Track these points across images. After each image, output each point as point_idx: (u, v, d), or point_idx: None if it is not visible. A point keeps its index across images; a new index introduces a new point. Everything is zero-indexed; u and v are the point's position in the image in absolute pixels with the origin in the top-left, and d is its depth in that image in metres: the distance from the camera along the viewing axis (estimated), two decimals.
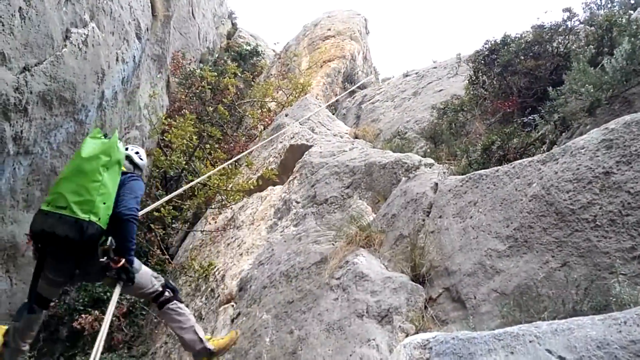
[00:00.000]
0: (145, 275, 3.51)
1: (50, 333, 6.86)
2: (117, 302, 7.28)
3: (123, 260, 3.13)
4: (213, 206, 8.57)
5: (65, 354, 6.85)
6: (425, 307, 2.78)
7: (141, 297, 4.01)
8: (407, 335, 2.47)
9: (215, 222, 8.30)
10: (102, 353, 6.40)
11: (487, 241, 2.77)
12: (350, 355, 2.56)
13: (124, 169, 3.69)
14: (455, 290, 2.75)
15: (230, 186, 7.85)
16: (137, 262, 3.42)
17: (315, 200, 5.85)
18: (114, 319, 7.09)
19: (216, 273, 6.88)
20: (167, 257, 8.26)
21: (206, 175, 7.13)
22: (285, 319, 3.63)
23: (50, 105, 5.51)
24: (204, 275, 7.05)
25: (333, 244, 4.13)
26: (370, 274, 3.26)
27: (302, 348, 3.07)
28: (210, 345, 3.41)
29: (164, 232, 8.85)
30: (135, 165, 3.93)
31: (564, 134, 4.00)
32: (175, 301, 3.52)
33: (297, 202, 6.20)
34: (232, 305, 5.49)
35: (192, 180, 8.75)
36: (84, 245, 2.99)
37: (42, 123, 5.49)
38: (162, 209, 8.06)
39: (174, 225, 9.60)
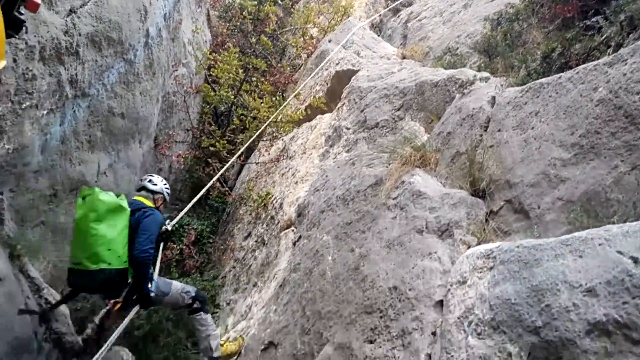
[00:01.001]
0: (175, 294, 4.19)
1: None
2: (186, 231, 7.74)
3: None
4: (265, 139, 8.72)
5: None
6: (487, 220, 2.79)
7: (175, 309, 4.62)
8: (468, 247, 2.51)
9: (268, 154, 8.48)
10: (178, 277, 6.91)
11: (550, 151, 2.68)
12: (412, 268, 2.65)
13: (143, 200, 4.21)
14: (517, 202, 2.73)
15: (279, 117, 7.89)
16: (164, 284, 4.14)
17: (365, 125, 5.81)
18: (183, 247, 7.64)
19: (274, 201, 7.14)
20: (227, 189, 8.62)
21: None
22: (345, 239, 3.77)
23: (99, 46, 5.63)
24: (263, 204, 7.34)
25: (387, 166, 4.14)
26: (427, 191, 3.27)
27: (364, 264, 3.20)
28: (217, 353, 4.30)
29: (220, 165, 9.16)
30: (154, 192, 4.40)
31: (631, 35, 3.67)
32: (201, 312, 4.32)
33: (348, 129, 6.18)
34: (293, 230, 5.73)
35: (242, 115, 8.91)
36: (105, 287, 3.66)
37: (94, 65, 5.64)
38: (217, 143, 8.31)
39: (228, 158, 9.88)
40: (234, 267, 7.39)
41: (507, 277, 1.96)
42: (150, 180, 4.51)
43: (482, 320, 1.94)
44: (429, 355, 2.16)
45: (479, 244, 2.51)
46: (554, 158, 2.62)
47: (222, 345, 4.53)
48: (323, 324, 3.32)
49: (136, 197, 4.36)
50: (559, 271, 1.77)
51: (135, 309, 4.02)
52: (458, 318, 2.08)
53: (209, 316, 4.48)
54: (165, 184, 4.69)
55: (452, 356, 1.98)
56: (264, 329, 4.55)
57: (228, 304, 6.99)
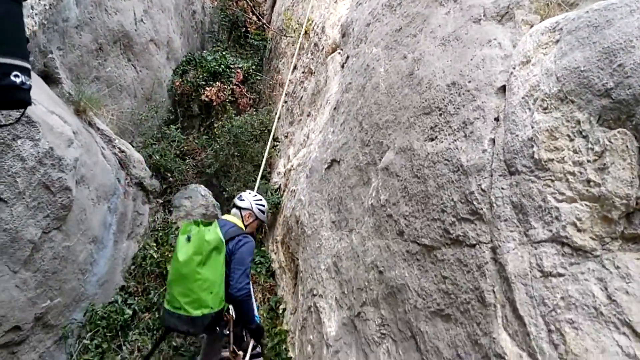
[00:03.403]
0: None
1: (185, 109, 7.77)
2: (233, 71, 7.74)
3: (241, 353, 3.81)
4: None
5: (203, 124, 7.86)
6: None
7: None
8: (531, 27, 2.33)
9: None
10: (233, 117, 7.14)
11: None
12: (471, 59, 2.54)
13: (233, 220, 3.87)
14: None
15: None
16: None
17: None
18: (234, 87, 7.75)
19: (315, 27, 6.84)
20: (264, 22, 8.29)
21: None
22: (396, 47, 3.61)
23: None
24: (304, 32, 7.07)
25: None
26: None
27: (418, 68, 3.11)
28: None
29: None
30: (242, 208, 4.02)
31: None
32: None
33: None
34: (339, 53, 5.57)
35: None
36: (205, 329, 3.46)
37: None
38: None
39: None
40: (285, 102, 7.50)
41: (575, 46, 1.84)
42: (239, 197, 4.15)
43: (548, 95, 1.89)
44: (493, 140, 2.19)
45: (542, 21, 2.31)
46: None
47: None
48: (382, 134, 3.40)
49: (225, 217, 4.04)
50: (634, 27, 1.63)
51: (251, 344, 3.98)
52: (522, 98, 2.04)
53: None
54: (256, 199, 4.16)
55: (517, 135, 1.99)
56: (324, 150, 4.76)
57: (286, 136, 7.28)
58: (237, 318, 3.76)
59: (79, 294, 4.26)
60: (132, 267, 5.24)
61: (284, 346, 4.77)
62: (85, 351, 4.18)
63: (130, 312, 4.64)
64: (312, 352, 3.98)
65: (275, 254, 6.11)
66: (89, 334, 4.27)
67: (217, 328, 3.67)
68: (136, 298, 4.90)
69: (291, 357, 4.61)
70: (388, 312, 2.82)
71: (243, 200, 4.08)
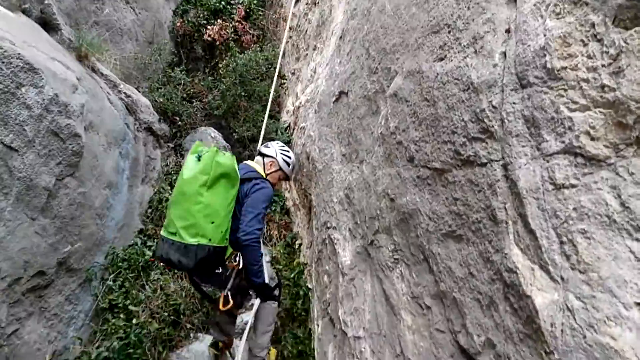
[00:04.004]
0: (269, 315, 3.58)
1: (188, 51, 7.60)
2: (234, 7, 7.48)
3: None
4: None
5: (208, 65, 7.71)
6: None
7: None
8: None
9: None
10: (237, 55, 6.99)
11: None
12: None
13: (254, 165, 3.56)
14: None
15: None
16: (268, 269, 3.44)
17: None
18: (236, 24, 7.51)
19: None
20: None
21: None
22: None
23: None
24: None
25: None
26: None
27: None
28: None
29: None
30: (265, 155, 3.72)
31: None
32: (276, 302, 3.69)
33: None
34: None
35: None
36: (199, 267, 2.94)
37: None
38: None
39: None
40: (290, 37, 7.26)
41: None
42: (265, 144, 3.88)
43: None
44: (504, 54, 2.08)
45: None
46: None
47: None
48: (390, 59, 3.28)
49: (246, 162, 3.79)
50: None
51: (256, 303, 3.46)
52: (534, 5, 1.91)
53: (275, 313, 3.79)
54: (283, 149, 3.86)
55: (528, 46, 1.88)
56: (332, 83, 4.65)
57: (293, 73, 7.12)
58: (244, 270, 3.30)
59: (99, 238, 4.39)
60: (149, 210, 5.36)
61: (302, 277, 4.93)
62: (109, 292, 4.37)
63: (150, 254, 4.80)
64: (328, 281, 4.10)
65: (288, 192, 6.17)
66: (112, 275, 4.45)
67: (216, 271, 3.22)
68: (155, 240, 5.05)
69: (310, 288, 4.77)
70: (400, 238, 2.85)
71: (268, 147, 3.86)
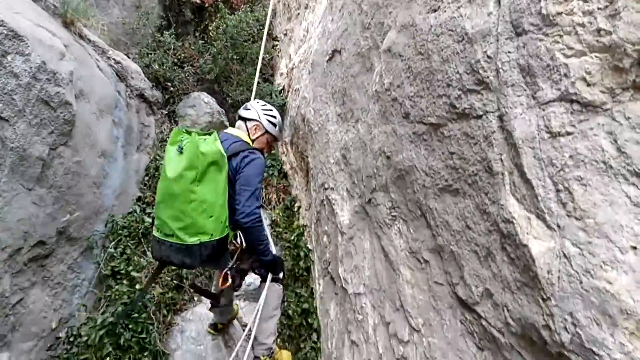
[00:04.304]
0: (275, 298, 3.42)
1: (177, 14, 7.40)
2: None
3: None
4: None
5: (197, 29, 7.52)
6: None
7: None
8: None
9: None
10: (227, 16, 6.80)
11: None
12: None
13: (237, 134, 3.27)
14: None
15: None
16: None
17: None
18: None
19: None
20: None
21: None
22: None
23: None
24: None
25: None
26: None
27: None
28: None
29: None
30: (247, 119, 3.35)
31: None
32: (280, 284, 3.51)
33: None
34: None
35: None
36: (206, 262, 2.86)
37: None
38: None
39: None
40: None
41: None
42: (245, 106, 3.45)
43: None
44: (498, 1, 2.01)
45: None
46: None
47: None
48: (382, 13, 3.20)
49: (228, 130, 3.41)
50: None
51: (266, 285, 3.29)
52: None
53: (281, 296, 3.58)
54: (265, 108, 3.44)
55: None
56: (325, 42, 4.55)
57: (285, 34, 6.96)
58: (248, 249, 3.10)
59: (97, 206, 4.40)
60: (146, 178, 5.35)
61: (302, 238, 4.98)
62: (111, 259, 4.42)
63: (150, 220, 4.82)
64: (328, 241, 4.14)
65: (285, 155, 6.15)
66: (113, 243, 4.49)
67: (224, 260, 3.07)
68: (153, 207, 5.07)
69: (310, 249, 4.83)
70: (397, 195, 2.86)
71: (249, 109, 3.40)
